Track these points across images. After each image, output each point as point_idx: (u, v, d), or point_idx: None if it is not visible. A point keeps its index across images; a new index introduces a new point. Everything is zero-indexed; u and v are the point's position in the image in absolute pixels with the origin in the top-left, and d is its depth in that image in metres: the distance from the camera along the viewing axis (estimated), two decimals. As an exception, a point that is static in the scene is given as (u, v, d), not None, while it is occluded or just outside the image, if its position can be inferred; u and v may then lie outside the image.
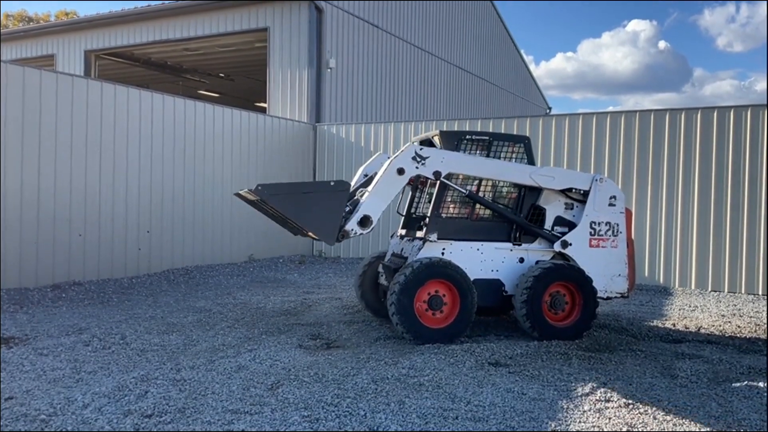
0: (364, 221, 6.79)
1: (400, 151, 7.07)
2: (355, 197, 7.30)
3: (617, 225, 7.54)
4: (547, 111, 33.55)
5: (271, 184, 6.81)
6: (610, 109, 18.50)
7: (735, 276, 10.97)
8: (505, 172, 7.35)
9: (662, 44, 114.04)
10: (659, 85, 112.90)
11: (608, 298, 7.59)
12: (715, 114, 11.29)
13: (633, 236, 8.53)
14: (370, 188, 7.00)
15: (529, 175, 7.29)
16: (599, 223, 7.47)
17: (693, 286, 11.29)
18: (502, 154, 7.60)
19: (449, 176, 7.13)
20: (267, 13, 16.52)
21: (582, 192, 7.51)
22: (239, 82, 25.00)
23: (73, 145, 10.01)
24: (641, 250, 11.57)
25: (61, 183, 9.85)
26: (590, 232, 7.46)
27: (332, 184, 6.83)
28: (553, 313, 7.16)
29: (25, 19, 41.65)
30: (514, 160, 7.60)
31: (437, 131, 7.55)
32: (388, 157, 7.95)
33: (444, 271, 6.81)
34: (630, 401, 5.05)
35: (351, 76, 17.73)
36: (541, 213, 7.53)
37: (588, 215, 7.45)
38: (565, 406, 4.94)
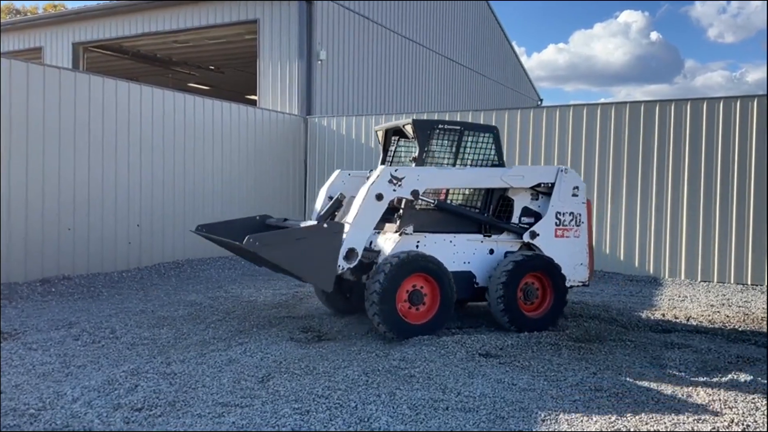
0: (349, 255, 6.58)
1: (375, 176, 6.87)
2: None
3: (580, 215, 7.74)
4: (539, 103, 33.55)
5: (262, 235, 6.28)
6: (601, 100, 18.54)
7: (724, 266, 11.04)
8: (479, 179, 7.44)
9: (654, 35, 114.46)
10: (651, 76, 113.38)
11: (571, 287, 7.70)
12: (705, 105, 11.33)
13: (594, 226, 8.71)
14: (349, 218, 6.73)
15: (500, 177, 7.40)
16: (564, 214, 7.64)
17: (683, 277, 11.36)
18: (471, 143, 7.64)
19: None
20: (257, 4, 16.41)
21: (549, 185, 7.66)
22: (229, 74, 24.86)
23: (61, 138, 9.92)
24: (632, 241, 11.65)
25: (50, 177, 9.77)
26: (556, 223, 7.60)
27: (326, 226, 6.47)
28: (527, 304, 7.25)
29: (13, 12, 41.24)
30: (483, 149, 7.64)
31: (409, 120, 7.45)
32: (349, 174, 7.91)
33: (421, 265, 6.69)
34: (619, 391, 5.09)
35: (342, 68, 17.66)
36: (509, 204, 7.64)
37: (554, 206, 7.61)
38: (555, 396, 4.97)
